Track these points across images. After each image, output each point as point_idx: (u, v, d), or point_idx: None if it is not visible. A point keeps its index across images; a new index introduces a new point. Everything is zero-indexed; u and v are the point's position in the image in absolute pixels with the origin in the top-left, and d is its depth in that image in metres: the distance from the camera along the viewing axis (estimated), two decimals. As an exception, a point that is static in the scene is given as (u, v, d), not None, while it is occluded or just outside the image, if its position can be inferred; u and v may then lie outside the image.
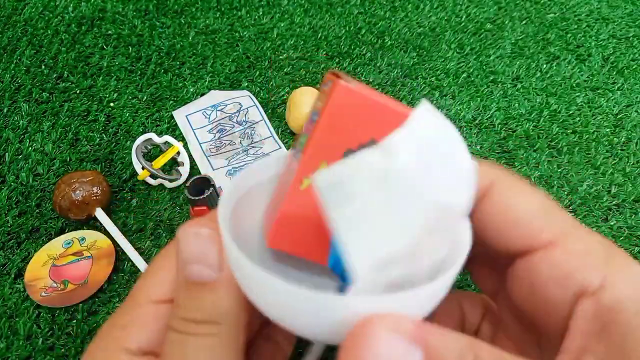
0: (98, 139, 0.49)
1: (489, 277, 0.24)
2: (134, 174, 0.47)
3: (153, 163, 0.45)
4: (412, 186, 0.16)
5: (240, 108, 0.52)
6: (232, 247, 0.18)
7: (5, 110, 0.52)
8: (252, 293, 0.18)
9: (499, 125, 0.51)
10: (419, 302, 0.17)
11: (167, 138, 0.46)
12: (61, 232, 0.43)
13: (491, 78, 0.56)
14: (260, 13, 0.63)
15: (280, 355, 0.26)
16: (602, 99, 0.53)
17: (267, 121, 0.51)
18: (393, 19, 0.63)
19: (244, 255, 0.17)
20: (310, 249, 0.20)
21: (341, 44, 0.59)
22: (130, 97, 0.53)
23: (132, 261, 0.40)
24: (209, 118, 0.51)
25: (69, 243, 0.42)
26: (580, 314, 0.18)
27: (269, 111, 0.52)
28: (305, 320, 0.17)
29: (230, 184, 0.22)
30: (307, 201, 0.19)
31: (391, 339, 0.15)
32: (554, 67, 0.57)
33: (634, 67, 0.57)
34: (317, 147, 0.19)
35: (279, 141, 0.49)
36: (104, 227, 0.42)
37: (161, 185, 0.46)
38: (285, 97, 0.53)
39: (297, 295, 0.16)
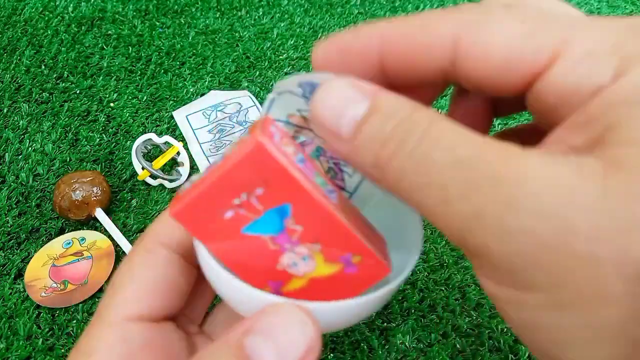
0: (98, 139, 0.49)
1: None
2: (134, 174, 0.47)
3: (153, 163, 0.45)
4: None
5: (240, 108, 0.52)
6: (199, 246, 0.20)
7: (5, 110, 0.52)
8: (212, 283, 0.21)
9: (499, 126, 0.51)
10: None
11: (167, 138, 0.46)
12: (61, 232, 0.43)
13: None
14: (260, 13, 0.63)
15: None
16: (602, 99, 0.53)
17: (267, 121, 0.51)
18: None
19: (205, 251, 0.20)
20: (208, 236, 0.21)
21: (341, 44, 0.59)
22: (130, 97, 0.53)
23: (132, 261, 0.40)
24: (209, 118, 0.51)
25: (69, 243, 0.42)
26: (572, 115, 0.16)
27: (269, 111, 0.52)
28: (247, 307, 0.20)
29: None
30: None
31: (345, 86, 0.18)
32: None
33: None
34: (210, 191, 0.20)
35: (279, 141, 0.49)
36: (104, 227, 0.42)
37: (161, 185, 0.46)
38: (285, 97, 0.53)
39: (241, 288, 0.19)
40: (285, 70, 0.56)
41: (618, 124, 0.14)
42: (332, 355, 0.35)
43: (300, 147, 0.22)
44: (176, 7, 0.64)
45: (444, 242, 0.41)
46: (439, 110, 0.22)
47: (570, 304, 0.14)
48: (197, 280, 0.24)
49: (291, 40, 0.60)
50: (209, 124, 0.51)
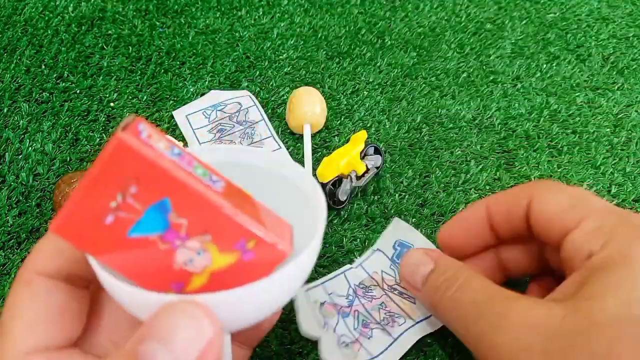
0: (98, 139, 0.49)
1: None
2: (134, 174, 0.47)
3: (153, 163, 0.45)
4: None
5: (240, 108, 0.52)
6: (89, 259, 0.20)
7: (5, 110, 0.52)
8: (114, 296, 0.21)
9: (499, 125, 0.51)
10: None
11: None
12: (61, 232, 0.43)
13: (491, 78, 0.56)
14: (260, 13, 0.63)
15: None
16: (602, 99, 0.53)
17: (267, 121, 0.51)
18: (393, 19, 0.63)
19: (95, 262, 0.20)
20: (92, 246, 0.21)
21: (341, 44, 0.59)
22: (130, 97, 0.53)
23: (132, 261, 0.40)
24: (209, 118, 0.51)
25: (69, 243, 0.42)
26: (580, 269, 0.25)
27: (269, 111, 0.52)
28: (139, 311, 0.20)
29: None
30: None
31: (419, 253, 0.32)
32: (554, 67, 0.57)
33: (634, 67, 0.57)
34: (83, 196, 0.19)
35: (279, 141, 0.49)
36: (104, 227, 0.42)
37: (161, 185, 0.46)
38: (285, 97, 0.53)
39: (136, 294, 0.19)
40: (285, 70, 0.56)
41: (587, 284, 0.24)
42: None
43: (173, 142, 0.21)
44: (176, 7, 0.64)
45: (444, 241, 0.41)
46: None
47: None
48: (115, 305, 0.23)
49: (291, 40, 0.60)
50: (209, 124, 0.51)
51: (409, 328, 0.35)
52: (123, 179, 0.19)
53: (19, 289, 0.21)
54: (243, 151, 0.26)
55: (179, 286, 0.21)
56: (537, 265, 0.33)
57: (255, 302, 0.20)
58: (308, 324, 0.32)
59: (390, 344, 0.34)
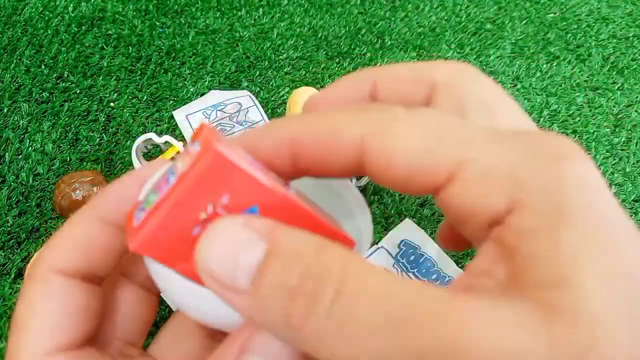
0: (98, 139, 0.49)
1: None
2: (134, 174, 0.47)
3: (153, 163, 0.45)
4: None
5: (240, 108, 0.52)
6: (153, 266, 0.19)
7: (5, 110, 0.52)
8: (169, 294, 0.20)
9: (499, 125, 0.51)
10: None
11: (167, 138, 0.46)
12: (61, 232, 0.43)
13: (491, 78, 0.56)
14: (260, 13, 0.63)
15: (148, 301, 0.24)
16: (602, 99, 0.53)
17: (267, 121, 0.51)
18: (393, 19, 0.63)
19: (163, 269, 0.19)
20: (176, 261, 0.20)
21: (341, 44, 0.59)
22: (130, 97, 0.53)
23: (132, 261, 0.40)
24: (209, 118, 0.51)
25: (69, 243, 0.42)
26: (489, 240, 0.16)
27: (269, 111, 0.52)
28: (218, 318, 0.19)
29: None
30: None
31: (235, 226, 0.16)
32: (554, 67, 0.57)
33: (634, 67, 0.57)
34: (175, 210, 0.19)
35: (279, 141, 0.49)
36: (104, 227, 0.42)
37: (161, 185, 0.46)
38: (285, 97, 0.53)
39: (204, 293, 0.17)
40: (285, 70, 0.56)
41: (536, 260, 0.14)
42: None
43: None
44: (176, 7, 0.64)
45: (444, 241, 0.42)
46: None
47: None
48: (128, 304, 0.23)
49: (291, 40, 0.60)
50: (209, 124, 0.51)
51: None
52: (216, 190, 0.19)
53: (35, 287, 0.21)
54: None
55: None
56: None
57: None
58: None
59: None
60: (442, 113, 0.17)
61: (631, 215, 0.44)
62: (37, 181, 0.46)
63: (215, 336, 0.22)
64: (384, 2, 0.65)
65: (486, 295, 0.15)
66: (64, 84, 0.54)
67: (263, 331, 0.16)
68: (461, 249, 0.23)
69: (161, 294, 0.22)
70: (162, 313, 0.38)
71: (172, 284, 0.19)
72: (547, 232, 0.14)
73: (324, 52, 0.58)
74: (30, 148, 0.48)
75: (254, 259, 0.15)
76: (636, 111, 0.52)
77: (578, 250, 0.14)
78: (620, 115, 0.52)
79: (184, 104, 0.52)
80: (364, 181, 0.44)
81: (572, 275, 0.14)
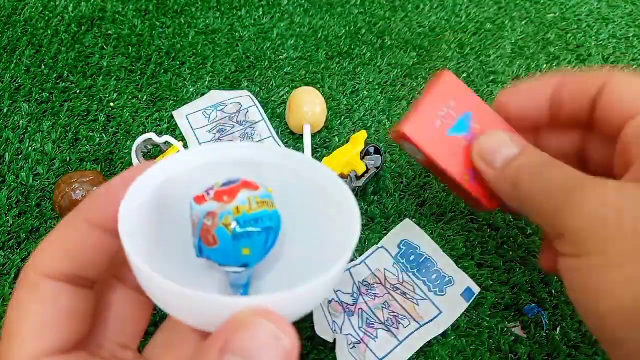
0: (98, 139, 0.49)
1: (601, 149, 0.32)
2: (134, 174, 0.47)
3: (153, 163, 0.45)
4: None
5: (240, 108, 0.52)
6: (134, 257, 0.19)
7: (5, 110, 0.52)
8: (154, 296, 0.20)
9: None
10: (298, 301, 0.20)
11: (167, 138, 0.46)
12: (61, 232, 0.43)
13: (491, 78, 0.56)
14: (260, 13, 0.63)
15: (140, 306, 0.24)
16: (602, 99, 0.53)
17: (267, 121, 0.51)
18: (393, 19, 0.63)
19: (145, 266, 0.19)
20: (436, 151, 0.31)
21: (341, 44, 0.59)
22: (130, 97, 0.53)
23: (132, 261, 0.40)
24: (209, 118, 0.51)
25: (69, 243, 0.42)
26: None
27: (269, 111, 0.52)
28: (201, 318, 0.20)
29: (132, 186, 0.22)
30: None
31: (504, 135, 0.30)
32: (554, 67, 0.57)
33: (634, 67, 0.57)
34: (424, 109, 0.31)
35: (279, 141, 0.49)
36: (104, 227, 0.42)
37: (161, 185, 0.46)
38: (285, 97, 0.53)
39: (194, 298, 0.18)
40: (285, 70, 0.56)
41: None
42: (331, 354, 0.35)
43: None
44: (176, 7, 0.64)
45: (443, 241, 0.41)
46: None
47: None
48: (121, 306, 0.23)
49: (291, 40, 0.60)
50: (209, 124, 0.51)
51: (414, 332, 0.35)
52: (447, 97, 0.32)
53: (25, 291, 0.21)
54: (277, 152, 0.26)
55: (472, 173, 0.31)
56: (572, 160, 0.32)
57: (315, 298, 0.21)
58: (321, 327, 0.32)
59: (396, 347, 0.34)
60: None
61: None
62: (37, 181, 0.46)
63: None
64: (384, 2, 0.65)
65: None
66: (64, 84, 0.54)
67: (243, 331, 0.18)
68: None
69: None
70: (162, 313, 0.38)
71: (156, 285, 0.19)
72: None
73: (324, 52, 0.58)
74: (30, 148, 0.48)
75: (510, 153, 0.29)
76: (636, 111, 0.52)
77: None
78: (620, 115, 0.52)
79: (184, 104, 0.52)
80: (363, 182, 0.44)
81: None
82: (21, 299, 0.21)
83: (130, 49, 0.58)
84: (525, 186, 0.27)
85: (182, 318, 0.20)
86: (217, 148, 0.25)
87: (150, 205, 0.23)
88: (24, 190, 0.45)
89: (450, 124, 0.31)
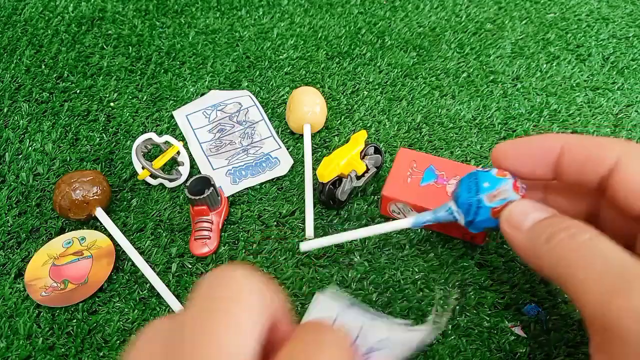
0: (98, 139, 0.49)
1: (619, 224, 0.30)
2: (134, 173, 0.47)
3: (153, 163, 0.45)
4: None
5: (240, 108, 0.52)
6: None
7: (5, 110, 0.52)
8: None
9: (499, 125, 0.51)
10: None
11: (167, 138, 0.46)
12: (61, 231, 0.43)
13: (491, 78, 0.56)
14: (260, 13, 0.63)
15: None
16: (602, 98, 0.53)
17: (267, 121, 0.51)
18: (393, 19, 0.63)
19: None
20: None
21: (341, 44, 0.59)
22: (130, 97, 0.53)
23: (132, 261, 0.40)
24: (209, 118, 0.51)
25: (69, 243, 0.42)
26: None
27: (269, 111, 0.52)
28: None
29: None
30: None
31: (530, 203, 0.30)
32: (554, 67, 0.57)
33: (634, 67, 0.57)
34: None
35: (279, 141, 0.49)
36: (104, 226, 0.42)
37: (161, 185, 0.46)
38: (285, 97, 0.53)
39: None
40: (285, 70, 0.56)
41: None
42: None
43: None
44: (176, 7, 0.64)
45: (442, 241, 0.41)
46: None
47: None
48: None
49: (291, 40, 0.60)
50: (209, 124, 0.51)
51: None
52: (409, 162, 0.41)
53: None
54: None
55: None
56: (584, 216, 0.31)
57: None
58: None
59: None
60: None
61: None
62: (37, 181, 0.46)
63: None
64: (384, 2, 0.65)
65: None
66: (64, 84, 0.54)
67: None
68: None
69: None
70: (162, 314, 0.38)
71: None
72: None
73: (324, 52, 0.58)
74: (30, 148, 0.48)
75: (539, 216, 0.28)
76: (636, 111, 0.52)
77: None
78: (620, 115, 0.52)
79: (184, 104, 0.52)
80: (363, 181, 0.44)
81: None
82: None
83: (130, 49, 0.58)
84: (563, 245, 0.25)
85: None
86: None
87: None
88: (24, 190, 0.45)
89: (419, 177, 0.41)
